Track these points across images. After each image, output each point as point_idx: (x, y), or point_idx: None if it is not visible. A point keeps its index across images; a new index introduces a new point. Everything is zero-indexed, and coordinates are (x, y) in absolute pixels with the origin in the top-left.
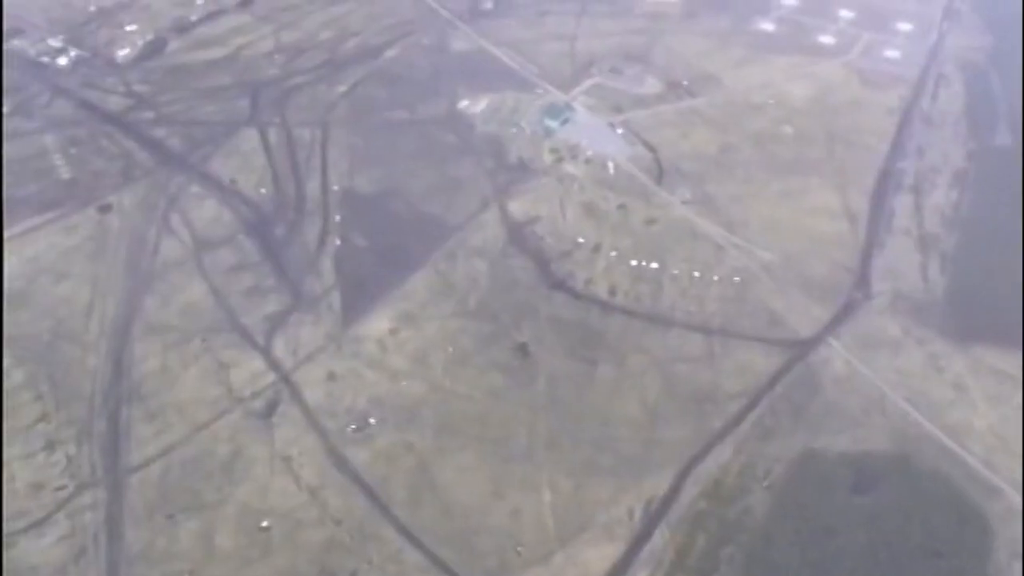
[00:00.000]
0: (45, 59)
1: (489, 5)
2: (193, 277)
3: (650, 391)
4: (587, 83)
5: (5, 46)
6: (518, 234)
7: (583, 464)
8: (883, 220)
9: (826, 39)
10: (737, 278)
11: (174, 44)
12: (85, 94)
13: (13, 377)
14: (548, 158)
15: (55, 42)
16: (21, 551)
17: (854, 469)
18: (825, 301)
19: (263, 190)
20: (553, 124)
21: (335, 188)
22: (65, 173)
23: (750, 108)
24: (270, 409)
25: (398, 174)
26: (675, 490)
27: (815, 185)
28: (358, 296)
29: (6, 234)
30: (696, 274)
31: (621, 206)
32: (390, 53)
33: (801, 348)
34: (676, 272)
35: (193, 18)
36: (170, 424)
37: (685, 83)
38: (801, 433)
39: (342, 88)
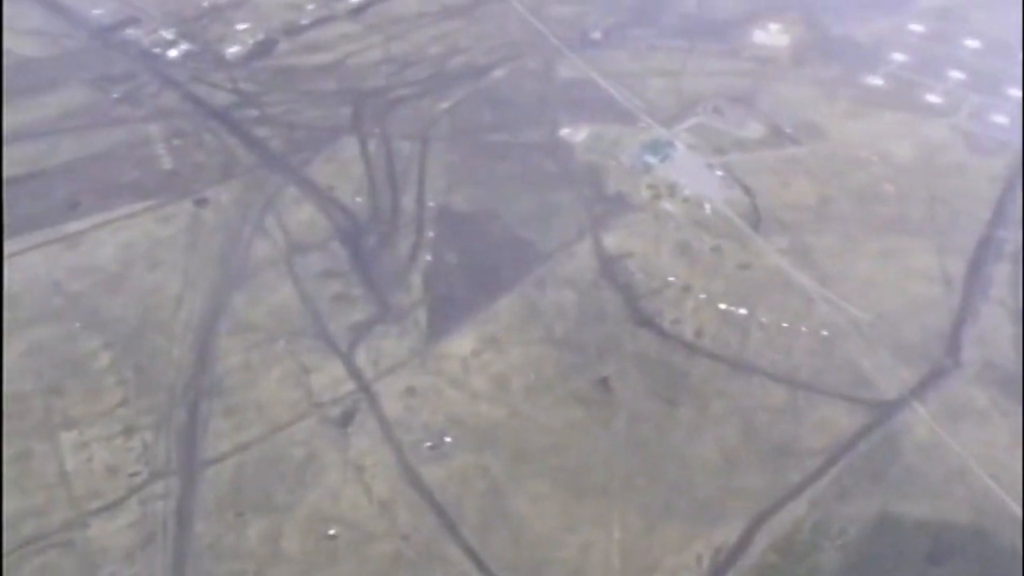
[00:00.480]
0: (156, 50)
1: (598, 35)
2: (283, 279)
3: (729, 438)
4: (690, 121)
5: (120, 34)
6: (610, 267)
7: (656, 505)
8: (979, 288)
9: (934, 98)
10: (826, 332)
11: (283, 46)
12: (192, 88)
13: (100, 359)
14: (646, 193)
15: (167, 34)
16: (93, 532)
17: (931, 538)
18: (913, 364)
19: (359, 199)
20: (653, 160)
21: (431, 204)
22: (166, 164)
23: (853, 162)
24: (347, 418)
25: (495, 196)
26: (746, 540)
27: (913, 246)
28: (445, 313)
29: (105, 218)
30: (785, 324)
31: (715, 248)
32: (496, 74)
33: (885, 410)
34: (765, 320)
35: (304, 22)
36: (248, 422)
37: (788, 130)
38: (879, 496)
39: (446, 104)
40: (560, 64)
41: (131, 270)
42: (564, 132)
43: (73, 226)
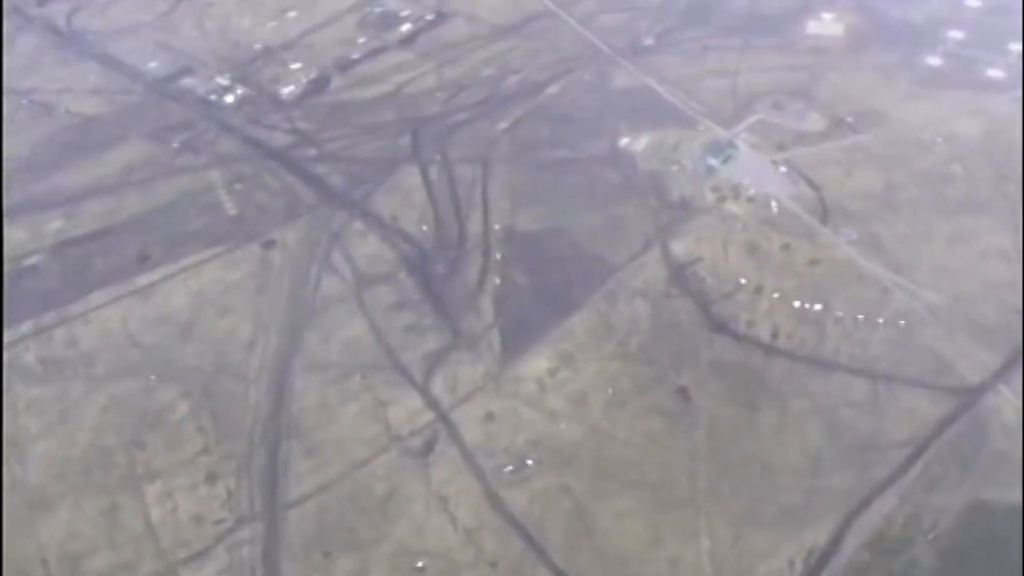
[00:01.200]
0: (213, 97)
1: (650, 41)
2: (354, 314)
3: (812, 438)
4: (749, 120)
5: (176, 84)
6: (680, 275)
7: (743, 512)
8: None
9: (996, 73)
10: (903, 321)
11: (337, 82)
12: (250, 131)
13: (178, 409)
14: (710, 197)
15: (222, 80)
16: None
17: None
18: (995, 347)
19: (424, 227)
20: (715, 162)
21: (496, 226)
22: (231, 209)
23: (917, 146)
24: (427, 448)
25: (560, 212)
26: (837, 541)
27: (985, 226)
28: (517, 335)
29: (175, 268)
30: (861, 317)
31: (785, 246)
32: (552, 90)
33: (969, 395)
34: (840, 314)
35: (355, 56)
36: (328, 460)
37: (850, 119)
38: (969, 484)
39: (503, 125)
40: (614, 73)
41: (202, 317)
42: (624, 142)
43: (144, 279)
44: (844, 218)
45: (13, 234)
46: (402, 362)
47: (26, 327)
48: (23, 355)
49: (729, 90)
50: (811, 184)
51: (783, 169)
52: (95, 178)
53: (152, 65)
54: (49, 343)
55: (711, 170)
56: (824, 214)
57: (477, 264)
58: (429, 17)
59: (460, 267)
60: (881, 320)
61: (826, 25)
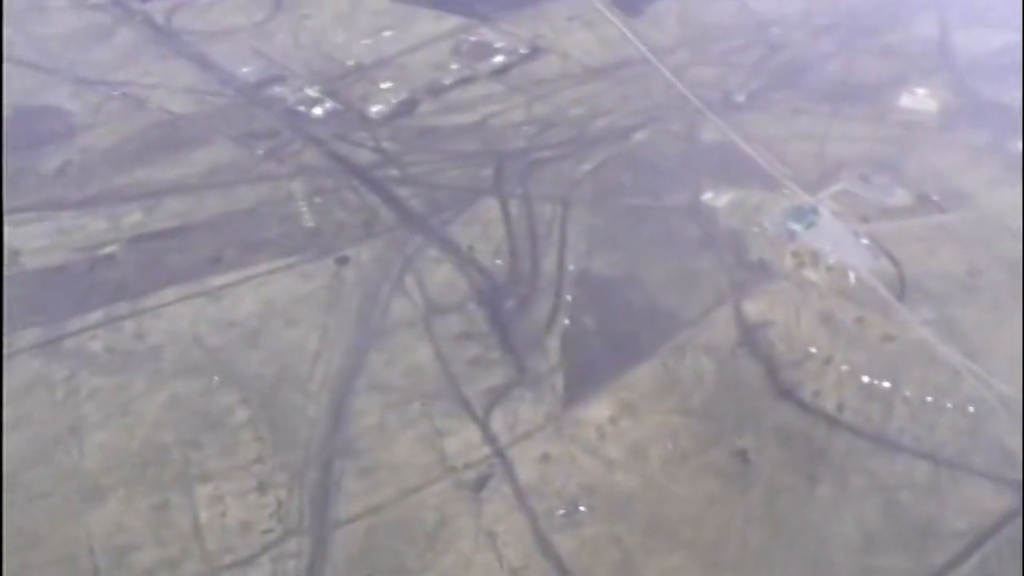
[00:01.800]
0: (301, 108)
1: (741, 98)
2: (420, 340)
3: (870, 516)
4: (834, 188)
5: (266, 92)
6: (750, 336)
7: None
8: None
9: None
10: (972, 409)
11: (426, 106)
12: (336, 146)
13: (237, 415)
14: (789, 261)
15: (312, 92)
16: None
17: None
18: None
19: (499, 261)
20: (797, 227)
21: (571, 267)
22: (309, 221)
23: (1003, 230)
24: (481, 482)
25: (635, 260)
26: None
27: None
28: (582, 379)
29: (247, 273)
30: (929, 399)
31: (859, 319)
32: (638, 136)
33: None
34: (909, 394)
35: (446, 82)
36: (381, 483)
37: (936, 198)
38: None
39: (587, 167)
40: (703, 127)
41: (270, 326)
42: (706, 196)
43: (216, 280)
44: (922, 297)
45: (92, 223)
46: (464, 394)
47: (97, 316)
48: (91, 343)
49: (816, 155)
50: (892, 259)
51: (865, 241)
52: (178, 176)
53: (245, 70)
54: (118, 334)
55: (792, 234)
56: (902, 291)
57: (548, 303)
58: (523, 51)
59: (531, 304)
60: (950, 405)
61: (919, 100)
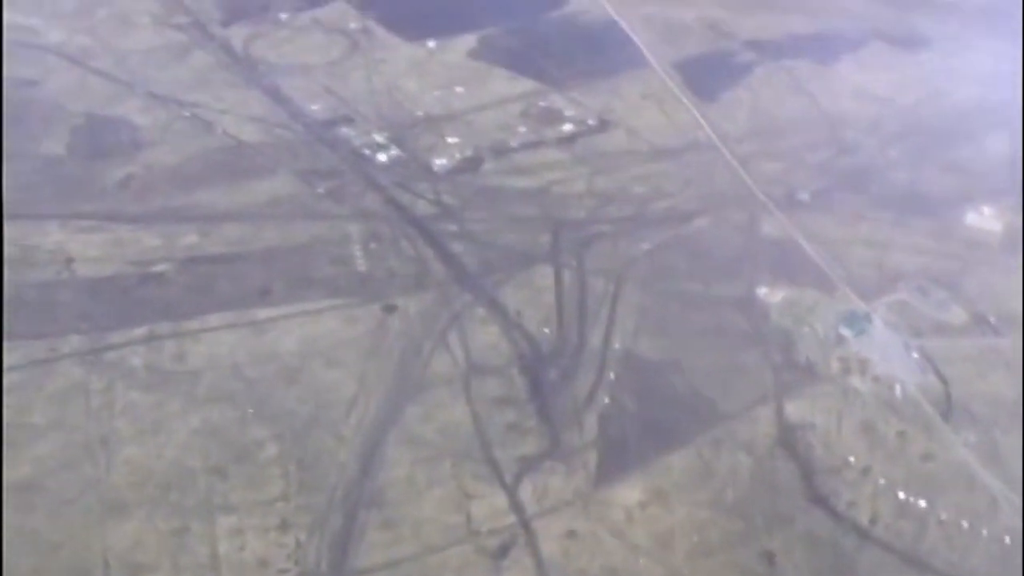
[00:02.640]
0: (366, 151)
1: (805, 197)
2: (458, 399)
3: None
4: (890, 297)
5: (334, 131)
6: (789, 437)
7: None
8: None
9: None
10: (1008, 539)
11: (489, 164)
12: (396, 193)
13: (267, 449)
14: (836, 366)
15: (379, 137)
16: None
17: None
18: None
19: (546, 330)
20: (848, 333)
21: (616, 345)
22: (361, 265)
23: None
24: (503, 551)
25: (682, 347)
26: None
27: None
28: (615, 459)
29: (294, 310)
30: (965, 524)
31: (900, 433)
32: (699, 222)
33: None
34: (944, 516)
35: (513, 144)
36: (403, 538)
37: (992, 320)
38: None
39: (644, 246)
40: (764, 221)
41: (310, 365)
42: (761, 291)
43: (262, 312)
44: (967, 418)
45: (148, 239)
46: (496, 458)
47: (140, 331)
48: (131, 358)
49: (875, 263)
50: (940, 377)
51: (915, 355)
52: (237, 203)
53: (314, 107)
54: (159, 352)
55: (842, 339)
56: (948, 410)
57: (590, 379)
58: (591, 122)
59: (573, 377)
60: (985, 532)
61: (985, 219)
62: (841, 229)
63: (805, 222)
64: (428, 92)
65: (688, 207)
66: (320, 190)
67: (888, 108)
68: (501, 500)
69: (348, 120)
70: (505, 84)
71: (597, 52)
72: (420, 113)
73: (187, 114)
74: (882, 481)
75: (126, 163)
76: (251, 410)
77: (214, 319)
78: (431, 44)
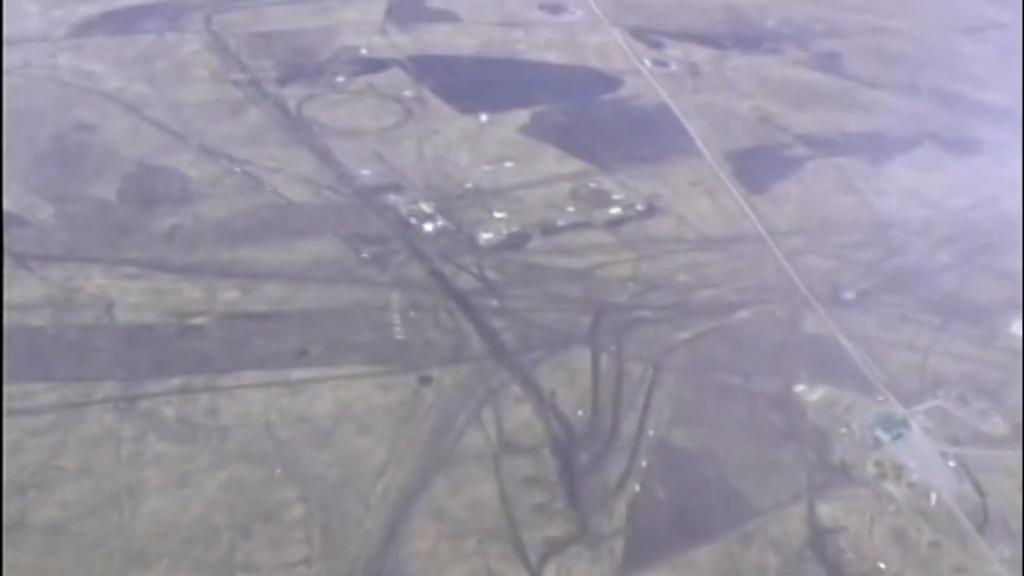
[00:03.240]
0: (413, 220)
1: (850, 296)
2: (488, 476)
3: None
4: (930, 403)
5: (381, 197)
6: (819, 539)
7: None
8: None
9: None
10: None
11: (535, 242)
12: (439, 264)
13: (293, 511)
14: (871, 470)
15: (426, 207)
16: None
17: None
18: None
19: (580, 412)
20: (885, 436)
21: (651, 433)
22: (399, 334)
23: None
24: None
25: (716, 439)
26: None
27: None
28: (643, 548)
29: (329, 373)
30: None
31: (934, 543)
32: (741, 315)
33: None
34: None
35: (560, 223)
36: None
37: None
38: None
39: (685, 335)
40: (807, 317)
41: (342, 429)
42: (798, 388)
43: (297, 373)
44: (1003, 533)
45: (189, 290)
46: (521, 538)
47: (175, 382)
48: (164, 408)
49: (917, 367)
50: (977, 488)
51: (952, 464)
52: (281, 262)
53: (364, 172)
54: (191, 405)
55: (878, 443)
56: (983, 522)
57: (622, 465)
58: (639, 207)
59: (604, 463)
60: None
61: None
62: (884, 331)
63: (848, 321)
64: (478, 165)
65: (732, 298)
66: (364, 255)
67: (938, 211)
68: None
69: (397, 187)
70: (554, 163)
71: (648, 137)
72: (469, 185)
73: (238, 170)
74: None
75: (174, 213)
76: (280, 470)
77: (249, 376)
78: (484, 118)
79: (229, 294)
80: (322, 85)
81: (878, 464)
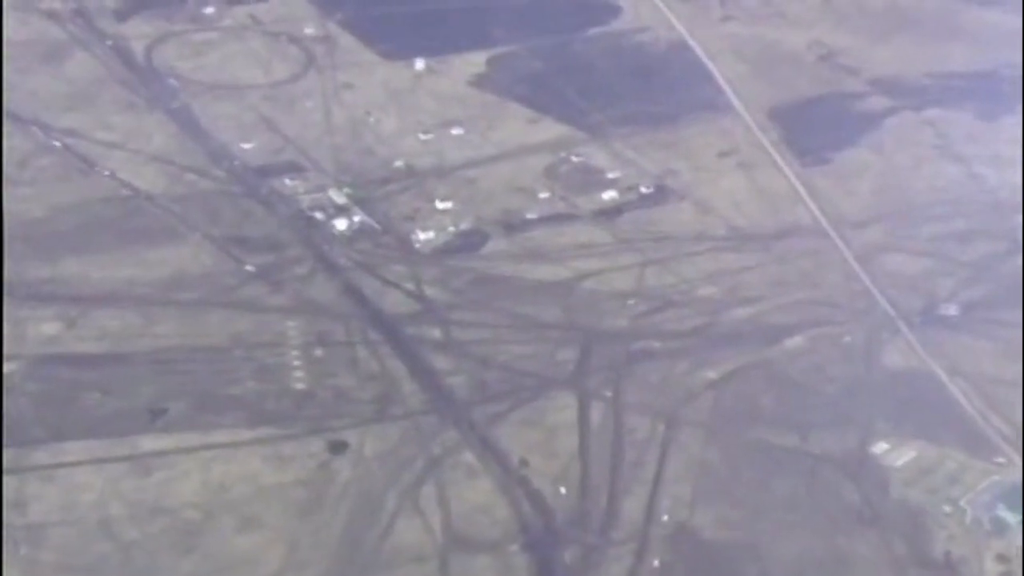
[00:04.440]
0: (318, 215)
1: (953, 311)
2: None
3: None
4: None
5: (273, 182)
6: None
7: None
8: None
9: None
10: None
11: (496, 244)
12: (358, 278)
13: None
14: (991, 568)
15: (338, 196)
16: None
17: None
18: None
19: (563, 490)
20: (1011, 518)
21: (664, 517)
22: (299, 381)
23: None
24: None
25: (759, 524)
26: None
27: None
28: None
29: (197, 441)
30: None
31: None
32: (792, 343)
33: None
34: None
35: (530, 215)
36: None
37: None
38: None
39: (711, 374)
40: (889, 344)
41: (216, 525)
42: (879, 448)
43: (148, 443)
44: None
45: None
46: None
47: None
48: None
49: None
50: None
51: None
52: (124, 280)
53: (247, 146)
54: None
55: (1002, 527)
56: None
57: (624, 566)
58: (644, 190)
59: (598, 563)
60: None
61: None
62: (1004, 362)
63: (950, 348)
64: (412, 133)
65: (778, 319)
66: (249, 267)
67: None
68: None
69: (294, 169)
70: (522, 128)
71: (658, 88)
72: (399, 163)
73: (57, 144)
74: None
75: None
76: None
77: (75, 449)
78: (419, 65)
79: (46, 328)
80: (182, 19)
81: (1003, 559)
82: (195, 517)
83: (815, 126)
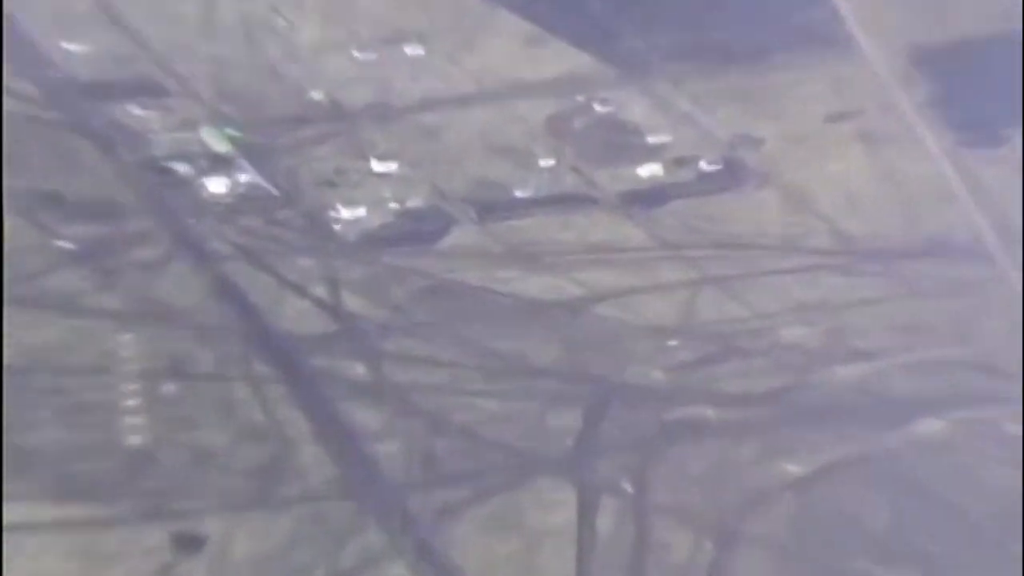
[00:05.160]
0: (182, 168)
1: None
2: None
3: None
4: None
5: (118, 108)
6: None
7: None
8: None
9: None
10: None
11: (464, 233)
12: (240, 274)
13: None
14: None
15: (216, 141)
16: None
17: None
18: None
19: None
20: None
21: None
22: (135, 433)
23: None
24: None
25: None
26: None
27: None
28: None
29: None
30: None
31: None
32: (927, 426)
33: None
34: None
35: (521, 193)
36: None
37: None
38: None
39: (793, 468)
40: None
41: None
42: None
43: None
44: None
45: None
46: None
47: None
48: None
49: None
50: None
51: None
52: None
53: (73, 48)
54: None
55: None
56: None
57: None
58: (706, 166)
59: None
60: None
61: None
62: None
63: None
64: (341, 52)
65: (907, 384)
66: (63, 243)
67: None
68: None
69: (148, 90)
70: (519, 51)
71: (737, 4)
72: (318, 95)
73: None
74: None
75: None
76: None
77: None
78: None
79: None
80: None
81: None
82: None
83: (984, 85)
